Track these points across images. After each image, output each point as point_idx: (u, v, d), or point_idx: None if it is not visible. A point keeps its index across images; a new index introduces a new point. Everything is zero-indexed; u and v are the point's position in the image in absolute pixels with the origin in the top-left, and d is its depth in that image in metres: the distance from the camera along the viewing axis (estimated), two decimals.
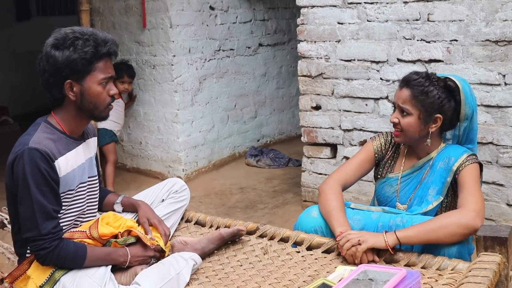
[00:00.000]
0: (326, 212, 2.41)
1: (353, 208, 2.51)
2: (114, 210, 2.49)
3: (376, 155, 2.62)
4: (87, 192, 2.29)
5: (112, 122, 4.96)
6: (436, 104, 2.41)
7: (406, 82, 2.46)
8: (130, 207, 2.51)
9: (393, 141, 2.61)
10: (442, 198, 2.41)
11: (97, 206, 2.40)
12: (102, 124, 4.77)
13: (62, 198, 2.14)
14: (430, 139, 2.46)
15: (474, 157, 2.40)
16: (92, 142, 2.37)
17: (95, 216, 2.36)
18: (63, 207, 2.16)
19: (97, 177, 2.37)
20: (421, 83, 2.42)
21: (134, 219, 2.46)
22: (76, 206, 2.24)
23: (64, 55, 2.08)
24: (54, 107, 2.21)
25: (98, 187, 2.39)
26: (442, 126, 2.47)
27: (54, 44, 2.11)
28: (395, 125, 2.49)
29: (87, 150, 2.31)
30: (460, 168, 2.36)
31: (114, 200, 2.52)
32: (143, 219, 2.41)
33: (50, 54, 2.10)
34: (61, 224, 2.15)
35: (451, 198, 2.44)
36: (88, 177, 2.29)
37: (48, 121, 2.18)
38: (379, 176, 2.64)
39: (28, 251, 2.17)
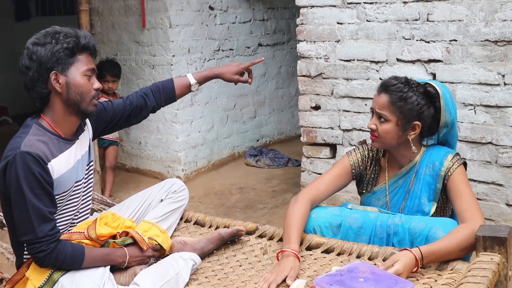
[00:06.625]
0: (284, 226, 2.36)
1: (350, 208, 2.50)
2: (191, 91, 2.65)
3: (353, 171, 2.54)
4: (83, 188, 2.29)
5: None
6: (415, 111, 2.34)
7: (384, 87, 2.39)
8: (205, 79, 2.67)
9: (370, 154, 2.54)
10: (437, 204, 2.38)
11: (91, 204, 2.41)
12: None
13: (56, 200, 2.13)
14: (414, 146, 2.39)
15: (458, 157, 2.37)
16: (84, 137, 2.34)
17: (89, 210, 2.37)
18: (58, 208, 2.15)
19: (93, 163, 2.39)
20: (400, 89, 2.35)
21: (133, 218, 2.46)
22: (71, 206, 2.23)
23: (47, 48, 2.09)
24: (42, 107, 2.19)
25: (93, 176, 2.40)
26: (421, 133, 2.41)
27: (35, 42, 2.13)
28: (372, 131, 2.43)
29: (80, 147, 2.29)
30: (449, 173, 2.32)
31: (186, 82, 2.62)
32: (234, 76, 2.64)
33: (33, 51, 2.11)
34: (58, 225, 2.14)
35: (441, 203, 2.42)
36: (86, 169, 2.30)
37: (39, 123, 2.15)
38: (364, 191, 2.58)
39: (26, 252, 2.16)
